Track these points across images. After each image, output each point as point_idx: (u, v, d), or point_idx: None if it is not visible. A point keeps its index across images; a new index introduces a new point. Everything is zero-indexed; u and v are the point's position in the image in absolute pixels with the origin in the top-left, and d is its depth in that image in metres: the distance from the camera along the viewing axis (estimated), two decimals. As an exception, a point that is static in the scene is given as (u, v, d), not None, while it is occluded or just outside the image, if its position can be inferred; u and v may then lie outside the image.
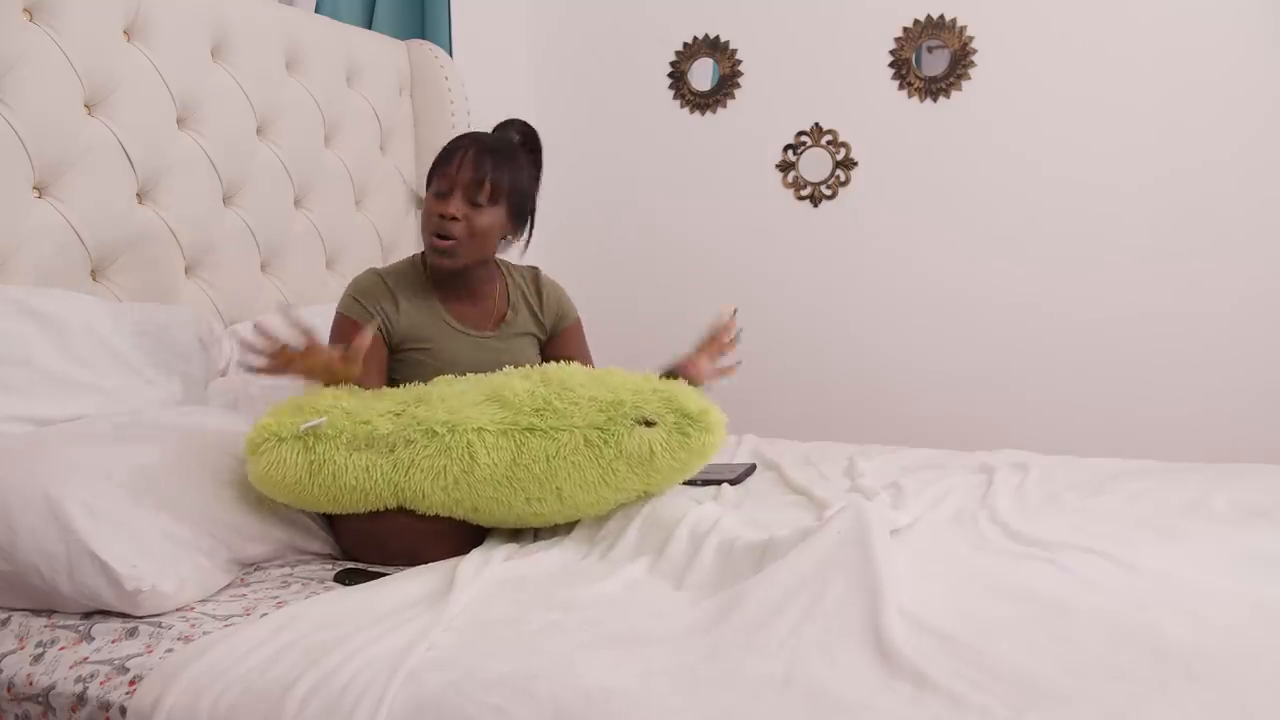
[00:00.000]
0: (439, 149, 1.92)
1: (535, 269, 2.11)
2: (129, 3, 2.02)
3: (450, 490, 1.57)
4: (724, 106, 3.34)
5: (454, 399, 1.61)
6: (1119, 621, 1.26)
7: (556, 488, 1.57)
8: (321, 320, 1.98)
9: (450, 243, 1.83)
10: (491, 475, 1.56)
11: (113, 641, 1.32)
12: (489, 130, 1.99)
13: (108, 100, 1.98)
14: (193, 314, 2.03)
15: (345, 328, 1.88)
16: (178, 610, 1.39)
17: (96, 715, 1.22)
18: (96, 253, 1.97)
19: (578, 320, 2.10)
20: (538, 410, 1.58)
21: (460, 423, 1.57)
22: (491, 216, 1.86)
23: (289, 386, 1.97)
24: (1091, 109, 2.95)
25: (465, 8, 3.09)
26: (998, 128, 3.05)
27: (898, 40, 3.13)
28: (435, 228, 1.84)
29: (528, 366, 1.71)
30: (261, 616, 1.35)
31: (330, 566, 1.63)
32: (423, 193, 1.98)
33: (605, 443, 1.57)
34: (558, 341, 2.04)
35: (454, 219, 1.82)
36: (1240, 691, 1.09)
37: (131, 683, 1.23)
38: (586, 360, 2.06)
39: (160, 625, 1.34)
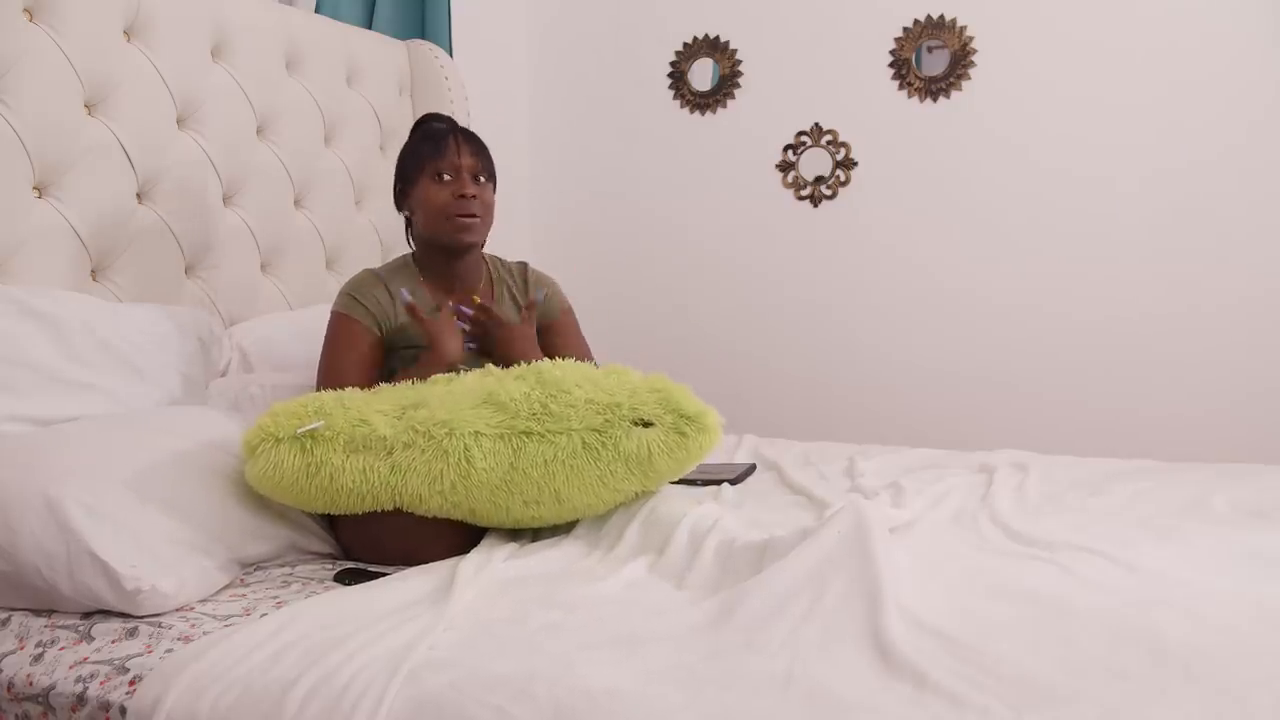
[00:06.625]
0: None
1: (524, 264, 2.11)
2: (129, 3, 2.02)
3: (447, 494, 1.56)
4: (724, 106, 3.34)
5: (451, 401, 1.61)
6: (1119, 621, 1.25)
7: (554, 491, 1.57)
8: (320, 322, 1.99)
9: (476, 219, 1.92)
10: (488, 480, 1.55)
11: (113, 641, 1.32)
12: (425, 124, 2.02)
13: (108, 100, 1.98)
14: (193, 314, 2.03)
15: (345, 327, 1.89)
16: (178, 610, 1.39)
17: (96, 715, 1.22)
18: (96, 253, 1.97)
19: (568, 310, 2.10)
20: (534, 414, 1.57)
21: (457, 426, 1.56)
22: (491, 193, 1.96)
23: (289, 386, 1.98)
24: (1091, 108, 2.95)
25: (465, 8, 3.10)
26: (998, 128, 3.05)
27: (898, 40, 3.13)
28: (458, 208, 1.90)
29: (520, 365, 1.70)
30: (261, 616, 1.34)
31: (330, 566, 1.63)
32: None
33: (603, 445, 1.56)
34: (549, 333, 2.05)
35: (473, 197, 1.90)
36: (1240, 692, 1.09)
37: (131, 683, 1.23)
38: (581, 350, 2.07)
39: (160, 625, 1.34)
